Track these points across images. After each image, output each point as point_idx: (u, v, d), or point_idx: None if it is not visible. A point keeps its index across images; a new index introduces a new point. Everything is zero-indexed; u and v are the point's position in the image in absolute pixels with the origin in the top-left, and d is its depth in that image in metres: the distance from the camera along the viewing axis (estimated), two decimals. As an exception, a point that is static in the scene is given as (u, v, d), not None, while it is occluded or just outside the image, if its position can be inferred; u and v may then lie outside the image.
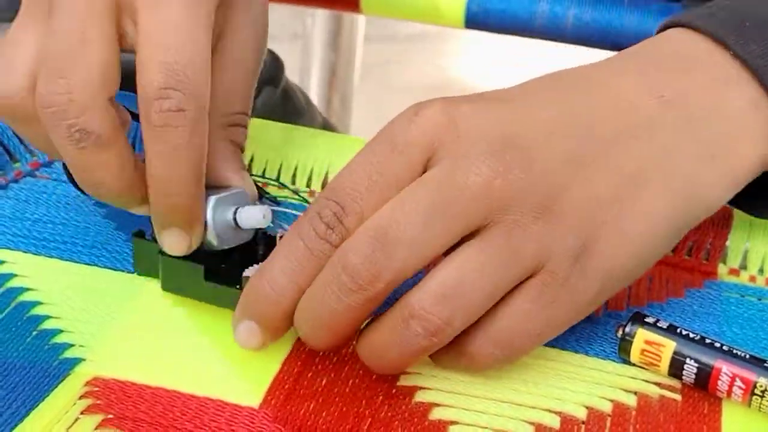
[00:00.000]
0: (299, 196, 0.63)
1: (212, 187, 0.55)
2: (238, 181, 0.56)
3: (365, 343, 0.50)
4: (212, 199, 0.54)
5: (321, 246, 0.49)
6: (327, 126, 1.06)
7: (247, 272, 0.53)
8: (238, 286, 0.52)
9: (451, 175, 0.48)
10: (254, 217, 0.54)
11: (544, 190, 0.49)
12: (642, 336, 0.52)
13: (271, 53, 0.99)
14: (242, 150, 0.58)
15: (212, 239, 0.54)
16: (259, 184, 0.63)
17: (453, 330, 0.48)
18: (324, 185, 0.65)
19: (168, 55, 0.50)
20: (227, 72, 0.57)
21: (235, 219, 0.54)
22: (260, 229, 0.55)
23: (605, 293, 0.51)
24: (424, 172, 0.49)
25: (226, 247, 0.54)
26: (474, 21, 0.87)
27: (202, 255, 0.54)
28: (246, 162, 0.65)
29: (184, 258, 0.54)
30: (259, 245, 0.55)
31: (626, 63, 0.55)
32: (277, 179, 0.65)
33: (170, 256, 0.54)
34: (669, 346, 0.51)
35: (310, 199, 0.63)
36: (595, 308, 0.52)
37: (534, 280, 0.49)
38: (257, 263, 0.53)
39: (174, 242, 0.53)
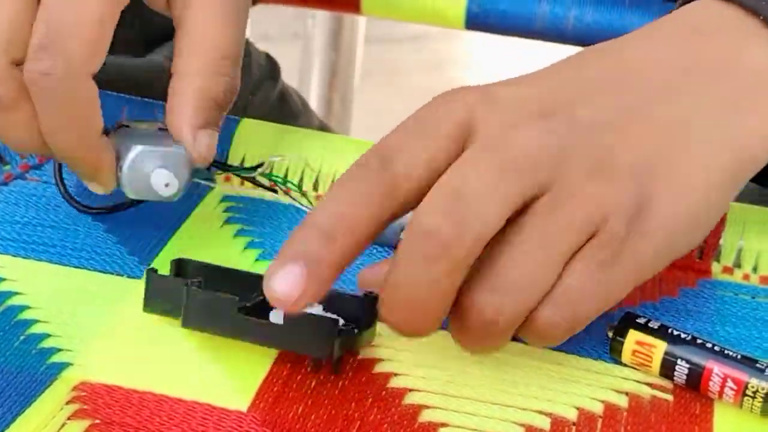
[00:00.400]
0: (294, 184, 0.63)
1: (166, 137, 0.55)
2: (187, 136, 0.55)
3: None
4: (135, 150, 0.54)
5: (371, 185, 0.47)
6: (324, 129, 1.05)
7: (273, 316, 0.51)
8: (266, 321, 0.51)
9: (501, 146, 0.47)
10: (159, 183, 0.54)
11: (593, 150, 0.48)
12: (633, 337, 0.51)
13: (267, 56, 0.99)
14: (221, 103, 0.56)
15: (126, 188, 0.54)
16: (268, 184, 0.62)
17: (510, 318, 0.47)
18: (315, 185, 0.64)
19: (51, 14, 0.52)
20: (196, 21, 0.56)
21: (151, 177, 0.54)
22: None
23: (666, 252, 0.49)
24: (462, 152, 0.48)
25: (148, 200, 0.55)
26: (474, 22, 0.86)
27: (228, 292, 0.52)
28: (237, 161, 0.64)
29: (214, 289, 0.52)
30: None
31: (654, 31, 0.55)
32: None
33: (197, 287, 0.51)
34: (660, 347, 0.51)
35: (304, 199, 0.63)
36: (660, 269, 0.50)
37: (593, 242, 0.47)
38: None
39: (91, 187, 0.56)
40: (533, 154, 0.47)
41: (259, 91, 0.94)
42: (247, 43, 0.95)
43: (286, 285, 0.45)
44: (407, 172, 0.47)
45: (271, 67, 0.98)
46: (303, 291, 0.45)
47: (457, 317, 0.47)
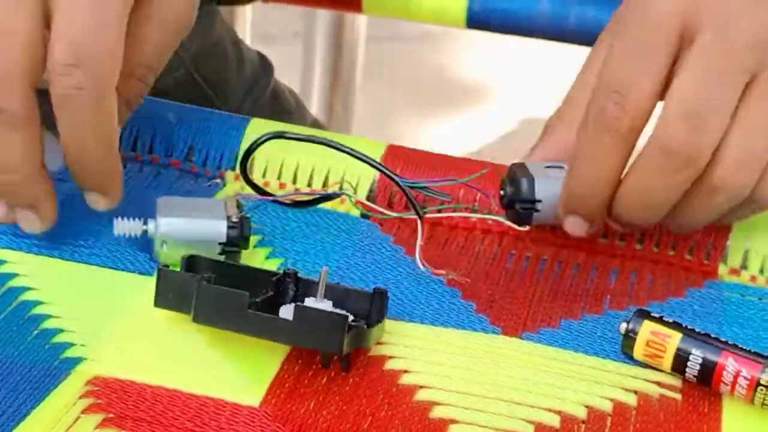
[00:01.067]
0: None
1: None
2: None
3: (674, 216, 0.57)
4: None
5: (615, 135, 0.54)
6: (318, 127, 1.06)
7: (283, 311, 0.52)
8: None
9: (727, 40, 0.54)
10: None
11: None
12: (648, 327, 0.52)
13: (259, 54, 0.99)
14: (131, 105, 0.59)
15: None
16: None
17: (750, 189, 0.55)
18: (326, 183, 0.64)
19: (74, 31, 0.53)
20: (139, 27, 0.57)
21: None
22: (291, 270, 0.54)
23: None
24: (681, 36, 0.54)
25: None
26: (475, 21, 0.87)
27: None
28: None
29: (225, 285, 0.52)
30: (290, 284, 0.54)
31: None
32: (279, 177, 0.65)
33: (208, 282, 0.52)
34: (675, 337, 0.51)
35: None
36: None
37: None
38: (290, 302, 0.53)
39: (95, 201, 0.57)
40: (754, 42, 0.54)
41: (252, 89, 0.95)
42: (240, 42, 0.95)
43: (576, 229, 0.58)
44: (641, 107, 0.54)
45: (263, 65, 0.98)
46: (587, 230, 0.58)
47: (702, 193, 0.55)
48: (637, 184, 0.55)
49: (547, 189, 0.57)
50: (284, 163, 0.65)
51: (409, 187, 0.58)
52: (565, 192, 0.57)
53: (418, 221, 0.57)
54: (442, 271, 0.57)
